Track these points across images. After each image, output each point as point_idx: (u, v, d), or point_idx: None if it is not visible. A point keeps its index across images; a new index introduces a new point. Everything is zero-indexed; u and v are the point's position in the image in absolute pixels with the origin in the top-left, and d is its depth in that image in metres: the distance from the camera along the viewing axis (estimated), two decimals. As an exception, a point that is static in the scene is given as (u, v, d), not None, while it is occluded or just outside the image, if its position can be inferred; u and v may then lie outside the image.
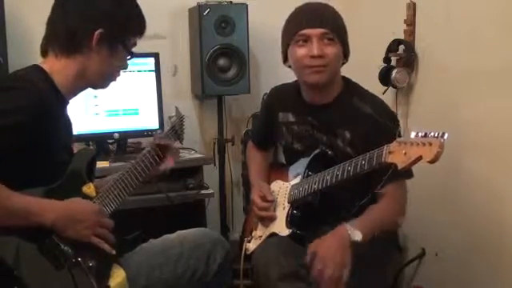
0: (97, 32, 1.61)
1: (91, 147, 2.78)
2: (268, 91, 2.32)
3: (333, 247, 1.78)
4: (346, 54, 2.04)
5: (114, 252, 1.60)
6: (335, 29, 1.97)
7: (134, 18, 1.70)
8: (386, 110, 2.02)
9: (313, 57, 1.95)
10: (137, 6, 1.73)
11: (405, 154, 1.56)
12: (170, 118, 2.12)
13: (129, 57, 1.72)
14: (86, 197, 1.65)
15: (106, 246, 1.59)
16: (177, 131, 2.05)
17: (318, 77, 1.97)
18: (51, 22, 1.66)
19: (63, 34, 1.63)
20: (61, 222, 1.51)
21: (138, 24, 1.71)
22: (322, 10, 2.01)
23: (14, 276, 1.41)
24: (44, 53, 1.67)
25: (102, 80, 1.71)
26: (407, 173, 1.95)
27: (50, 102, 1.54)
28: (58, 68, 1.63)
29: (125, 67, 1.74)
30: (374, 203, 1.92)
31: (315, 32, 1.95)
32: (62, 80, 1.62)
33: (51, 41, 1.66)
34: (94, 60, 1.64)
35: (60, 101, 1.63)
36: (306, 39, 1.96)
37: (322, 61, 1.95)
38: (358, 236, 1.81)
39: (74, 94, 1.70)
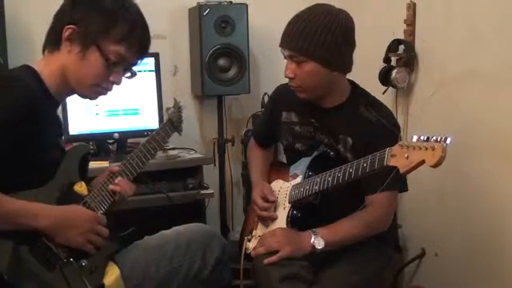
0: (66, 27, 1.57)
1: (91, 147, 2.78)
2: (268, 91, 2.31)
3: (276, 236, 1.89)
4: (333, 66, 1.90)
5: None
6: (303, 49, 1.86)
7: (118, 22, 1.59)
8: (391, 119, 2.00)
9: (287, 77, 1.97)
10: (133, 16, 1.63)
11: (407, 157, 1.55)
12: (167, 109, 2.09)
13: (105, 64, 1.60)
14: (77, 195, 1.64)
15: None
16: (174, 123, 2.03)
17: (299, 95, 2.00)
18: None
19: (48, 31, 1.64)
20: (54, 227, 1.50)
21: (124, 32, 1.60)
22: (297, 26, 1.88)
23: (4, 281, 1.40)
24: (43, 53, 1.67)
25: (80, 86, 1.63)
26: (402, 184, 1.95)
27: (37, 101, 1.52)
28: (44, 66, 1.62)
29: (103, 76, 1.63)
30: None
31: (286, 52, 1.94)
32: (48, 78, 1.60)
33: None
34: (68, 59, 1.59)
35: (49, 100, 1.61)
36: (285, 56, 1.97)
37: (295, 82, 1.96)
38: (319, 245, 1.85)
39: (62, 94, 1.67)
